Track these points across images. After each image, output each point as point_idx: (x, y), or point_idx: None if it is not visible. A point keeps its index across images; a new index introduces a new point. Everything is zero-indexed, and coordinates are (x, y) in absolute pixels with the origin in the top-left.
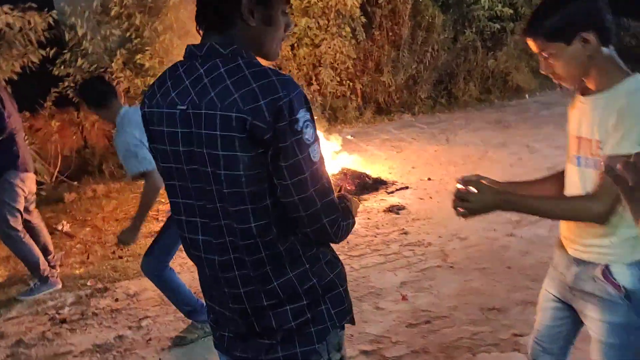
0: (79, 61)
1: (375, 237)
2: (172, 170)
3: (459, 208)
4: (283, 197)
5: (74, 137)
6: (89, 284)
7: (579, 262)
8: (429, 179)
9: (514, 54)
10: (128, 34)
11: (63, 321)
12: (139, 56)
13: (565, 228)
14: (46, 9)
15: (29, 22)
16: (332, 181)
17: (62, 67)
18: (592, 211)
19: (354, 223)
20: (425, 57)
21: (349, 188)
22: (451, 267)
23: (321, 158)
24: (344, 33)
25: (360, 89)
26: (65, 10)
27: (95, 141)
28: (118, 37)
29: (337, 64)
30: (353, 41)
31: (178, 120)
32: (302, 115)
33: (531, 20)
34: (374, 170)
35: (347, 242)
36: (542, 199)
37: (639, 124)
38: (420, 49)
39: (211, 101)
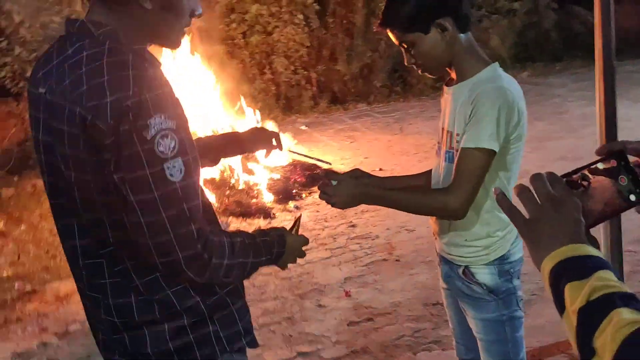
0: (17, 49)
1: (323, 230)
2: (40, 161)
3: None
4: (127, 216)
5: (14, 129)
6: (16, 286)
7: (445, 260)
8: (380, 169)
9: None
10: None
11: None
12: None
13: (432, 222)
14: None
15: None
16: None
17: None
18: (448, 206)
19: (271, 262)
20: (380, 45)
21: (298, 180)
22: (397, 260)
23: (188, 178)
24: (296, 20)
25: (315, 78)
26: None
27: None
28: (59, 25)
29: (291, 53)
30: (306, 29)
31: (40, 105)
32: (157, 121)
33: (386, 11)
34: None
35: None
36: (404, 193)
37: (491, 116)
38: (374, 37)
39: (64, 90)
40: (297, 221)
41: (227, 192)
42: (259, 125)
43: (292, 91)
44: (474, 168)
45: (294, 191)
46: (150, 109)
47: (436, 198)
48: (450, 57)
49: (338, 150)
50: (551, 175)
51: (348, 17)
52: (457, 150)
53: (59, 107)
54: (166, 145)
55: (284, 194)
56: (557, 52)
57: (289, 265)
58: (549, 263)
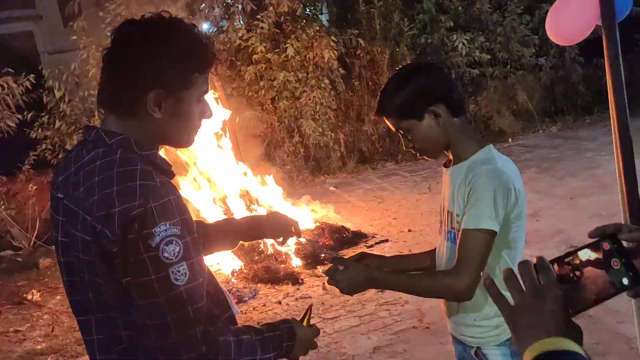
0: (57, 123)
1: (352, 296)
2: (59, 261)
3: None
4: (136, 318)
5: None
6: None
7: (457, 340)
8: (409, 231)
9: (495, 98)
10: None
11: None
12: None
13: (441, 303)
14: (23, 73)
15: (5, 87)
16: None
17: (40, 130)
18: (454, 288)
19: (280, 356)
20: None
21: (327, 243)
22: (427, 328)
23: (193, 281)
24: (322, 85)
25: (343, 138)
26: (43, 73)
27: None
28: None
29: (318, 115)
30: (333, 92)
31: (60, 208)
32: (162, 229)
33: (381, 100)
34: (355, 222)
35: (323, 303)
36: (410, 276)
37: (488, 197)
38: None
39: (79, 197)
40: (308, 311)
41: (256, 257)
42: (280, 211)
43: (321, 152)
44: (476, 249)
45: (322, 255)
46: (156, 218)
47: (442, 281)
48: (445, 140)
49: (366, 211)
50: (540, 261)
51: (373, 79)
52: (458, 231)
53: (74, 213)
54: (171, 251)
55: (312, 259)
56: (587, 105)
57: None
58: (527, 355)
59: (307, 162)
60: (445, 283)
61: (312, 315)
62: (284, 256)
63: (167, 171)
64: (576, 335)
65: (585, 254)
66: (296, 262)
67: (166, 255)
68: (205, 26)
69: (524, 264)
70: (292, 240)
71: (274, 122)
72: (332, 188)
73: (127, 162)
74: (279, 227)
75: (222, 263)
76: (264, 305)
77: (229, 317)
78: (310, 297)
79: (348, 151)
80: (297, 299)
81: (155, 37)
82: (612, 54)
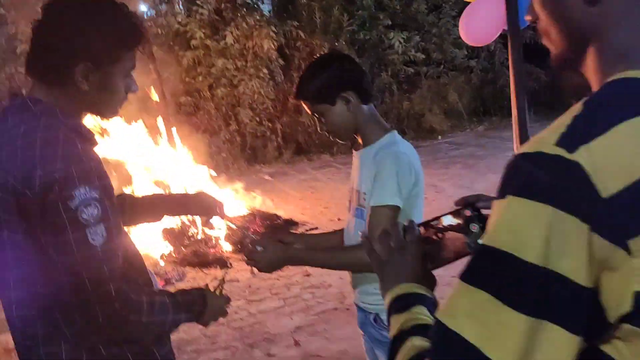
0: None
1: (278, 279)
2: None
3: (251, 266)
4: (55, 276)
5: None
6: None
7: (359, 308)
8: (339, 219)
9: (428, 97)
10: None
11: None
12: None
13: (348, 274)
14: None
15: None
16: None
17: None
18: (363, 260)
19: (191, 319)
20: None
21: (257, 230)
22: (347, 309)
23: (110, 242)
24: (261, 74)
25: (280, 129)
26: None
27: None
28: (24, 76)
29: (256, 105)
30: (271, 82)
31: None
32: (82, 192)
33: (298, 86)
34: (287, 210)
35: (250, 286)
36: (325, 251)
37: (392, 177)
38: None
39: (2, 159)
40: (222, 281)
41: (186, 242)
42: (206, 191)
43: (257, 142)
44: (382, 223)
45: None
46: (76, 181)
47: (353, 254)
48: (355, 125)
49: (299, 200)
50: (408, 224)
51: None
52: (364, 208)
53: None
54: (89, 213)
55: (242, 244)
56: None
57: (238, 316)
58: (387, 298)
59: (244, 151)
60: (356, 255)
61: (223, 287)
62: (213, 241)
63: (90, 139)
64: (429, 284)
65: (448, 220)
66: (226, 247)
67: (85, 216)
68: (143, 8)
69: (394, 226)
70: (223, 226)
71: (211, 109)
72: (267, 177)
73: (50, 127)
74: (205, 206)
75: (151, 246)
76: (190, 288)
77: (147, 284)
78: (238, 280)
79: (285, 142)
80: (229, 281)
81: (86, 12)
82: (515, 57)
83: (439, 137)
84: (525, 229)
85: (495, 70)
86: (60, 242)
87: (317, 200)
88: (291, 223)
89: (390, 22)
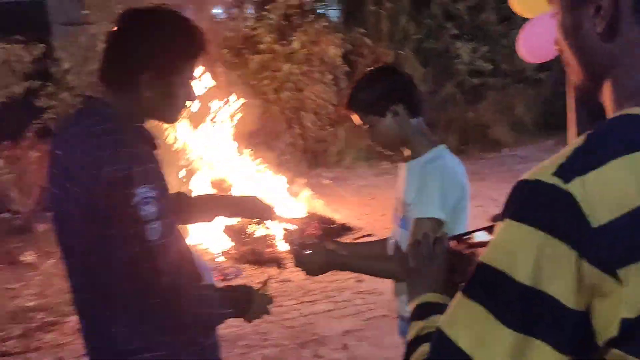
0: (63, 94)
1: (331, 283)
2: (50, 211)
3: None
4: (115, 266)
5: None
6: (39, 316)
7: (402, 317)
8: None
9: (493, 108)
10: None
11: (4, 354)
12: None
13: (392, 284)
14: (35, 42)
15: (15, 55)
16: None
17: (46, 99)
18: (395, 270)
19: (226, 317)
20: None
21: (314, 233)
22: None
23: (164, 238)
24: (325, 80)
25: (342, 134)
26: (53, 44)
27: None
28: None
29: (319, 109)
30: (335, 88)
31: (57, 163)
32: (142, 191)
33: (349, 97)
34: (344, 215)
35: (303, 288)
36: (367, 259)
37: (437, 190)
38: None
39: (73, 157)
40: (266, 281)
41: (245, 239)
42: (257, 196)
43: (319, 146)
44: None
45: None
46: (137, 181)
47: (390, 264)
48: (402, 137)
49: (357, 206)
50: (441, 235)
51: None
52: (409, 218)
53: (68, 170)
54: (148, 210)
55: (291, 247)
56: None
57: (290, 315)
58: (411, 305)
59: (306, 155)
60: (391, 266)
61: (268, 286)
62: (270, 240)
63: (151, 142)
64: (454, 295)
65: (481, 236)
66: (282, 247)
67: (143, 213)
68: (217, 11)
69: (424, 237)
70: (279, 227)
71: (275, 112)
72: (326, 181)
73: (117, 131)
74: (255, 209)
75: (213, 242)
76: (247, 284)
77: (197, 278)
78: (292, 281)
79: (346, 147)
80: (279, 282)
81: (153, 24)
82: None
83: (504, 149)
84: (518, 250)
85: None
86: (120, 236)
87: (375, 207)
88: (346, 228)
89: (457, 32)
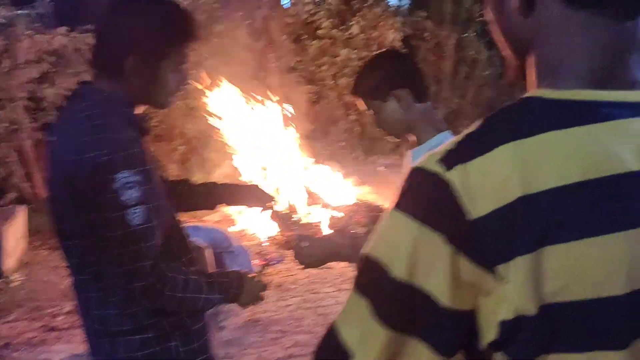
0: None
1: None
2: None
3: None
4: (101, 247)
5: None
6: None
7: None
8: None
9: None
10: None
11: (53, 329)
12: None
13: None
14: None
15: (86, 44)
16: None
17: None
18: None
19: (227, 301)
20: (468, 92)
21: (361, 220)
22: None
23: (147, 223)
24: None
25: None
26: None
27: None
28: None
29: None
30: None
31: (51, 149)
32: (124, 175)
33: (355, 82)
34: None
35: (341, 275)
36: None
37: None
38: (462, 84)
39: (62, 142)
40: (262, 269)
41: (292, 225)
42: (259, 185)
43: (376, 132)
44: None
45: (353, 231)
46: (120, 166)
47: None
48: (406, 123)
49: None
50: None
51: (437, 63)
52: None
53: (58, 155)
54: (129, 195)
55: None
56: None
57: (326, 303)
58: None
59: (362, 141)
60: None
61: (264, 273)
62: (316, 227)
63: (141, 127)
64: None
65: None
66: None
67: (125, 198)
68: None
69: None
70: (326, 213)
71: (333, 98)
72: (381, 168)
73: (103, 115)
74: (257, 199)
75: (260, 227)
76: (288, 269)
77: (190, 263)
78: (332, 267)
79: None
80: (320, 269)
81: (137, 10)
82: None
83: None
84: (395, 241)
85: None
86: (104, 219)
87: None
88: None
89: None
